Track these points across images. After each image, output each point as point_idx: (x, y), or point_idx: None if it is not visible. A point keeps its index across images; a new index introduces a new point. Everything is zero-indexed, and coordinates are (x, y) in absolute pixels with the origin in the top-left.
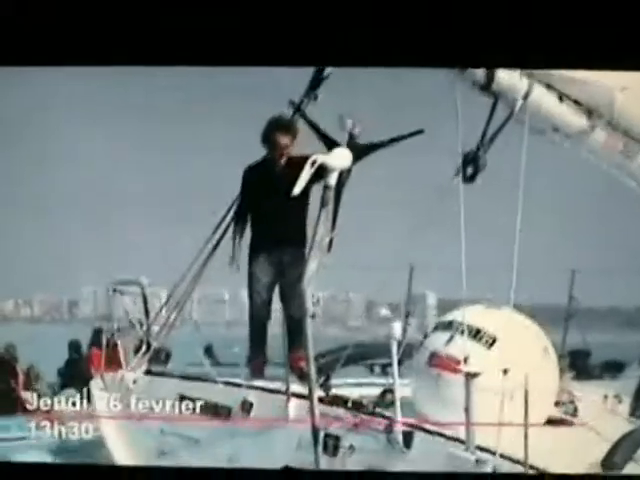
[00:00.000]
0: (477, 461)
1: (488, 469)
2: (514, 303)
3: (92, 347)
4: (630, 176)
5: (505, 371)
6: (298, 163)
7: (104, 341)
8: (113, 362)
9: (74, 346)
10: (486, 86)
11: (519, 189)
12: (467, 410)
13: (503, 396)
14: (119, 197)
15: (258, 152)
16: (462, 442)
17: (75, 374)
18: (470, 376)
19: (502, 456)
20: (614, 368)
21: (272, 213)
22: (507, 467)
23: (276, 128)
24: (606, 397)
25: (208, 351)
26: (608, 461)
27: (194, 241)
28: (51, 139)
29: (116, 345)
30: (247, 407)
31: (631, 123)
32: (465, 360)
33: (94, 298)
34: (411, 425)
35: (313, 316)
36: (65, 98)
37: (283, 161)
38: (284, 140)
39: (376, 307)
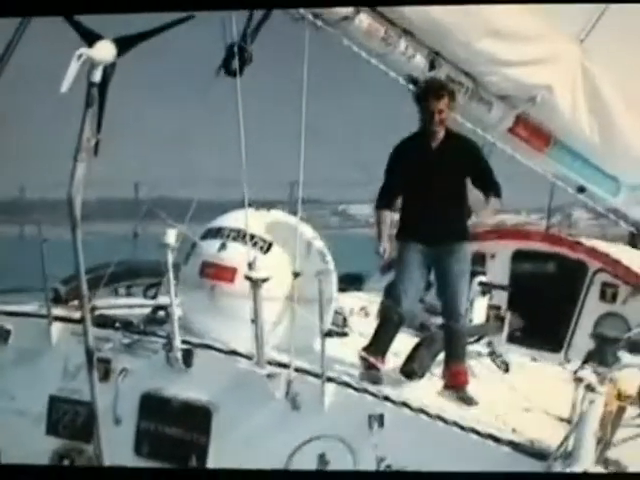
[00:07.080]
0: (269, 376)
1: (281, 382)
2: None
3: None
4: (389, 65)
5: (296, 275)
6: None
7: None
8: None
9: None
10: None
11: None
12: (255, 321)
13: (293, 302)
14: None
15: None
16: (249, 358)
17: None
18: (258, 283)
19: (297, 369)
20: (355, 281)
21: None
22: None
23: (430, 91)
24: (352, 309)
25: None
26: (407, 368)
27: None
28: None
29: None
30: (4, 335)
31: (394, 8)
32: (250, 266)
33: None
34: (190, 342)
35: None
36: None
37: (439, 134)
38: (439, 104)
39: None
